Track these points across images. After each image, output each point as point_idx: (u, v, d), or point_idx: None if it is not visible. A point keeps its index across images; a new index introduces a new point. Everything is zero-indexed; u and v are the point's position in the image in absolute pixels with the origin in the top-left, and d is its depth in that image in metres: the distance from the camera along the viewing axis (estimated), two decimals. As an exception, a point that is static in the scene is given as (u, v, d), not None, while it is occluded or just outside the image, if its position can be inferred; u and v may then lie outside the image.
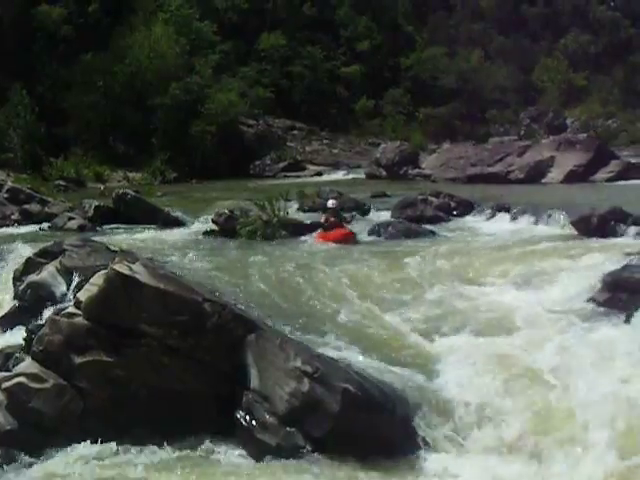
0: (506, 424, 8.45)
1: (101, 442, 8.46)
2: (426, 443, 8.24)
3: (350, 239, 17.99)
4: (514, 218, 21.43)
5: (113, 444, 8.47)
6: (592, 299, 11.81)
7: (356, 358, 9.49)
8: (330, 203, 19.77)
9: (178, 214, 24.20)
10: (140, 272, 9.03)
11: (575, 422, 8.31)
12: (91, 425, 8.68)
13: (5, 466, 8.37)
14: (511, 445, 8.24)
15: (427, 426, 8.39)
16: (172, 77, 50.23)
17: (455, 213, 23.17)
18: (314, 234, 18.87)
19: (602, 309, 11.38)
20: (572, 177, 35.44)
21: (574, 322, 10.85)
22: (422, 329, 10.99)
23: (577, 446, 7.97)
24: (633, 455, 7.68)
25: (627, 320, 10.42)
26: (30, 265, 12.82)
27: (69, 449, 8.42)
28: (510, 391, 8.91)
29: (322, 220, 19.09)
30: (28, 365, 9.13)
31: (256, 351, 8.78)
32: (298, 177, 48.18)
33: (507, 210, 22.13)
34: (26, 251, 14.43)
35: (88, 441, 8.49)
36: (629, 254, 13.01)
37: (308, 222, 20.46)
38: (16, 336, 10.91)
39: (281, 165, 53.13)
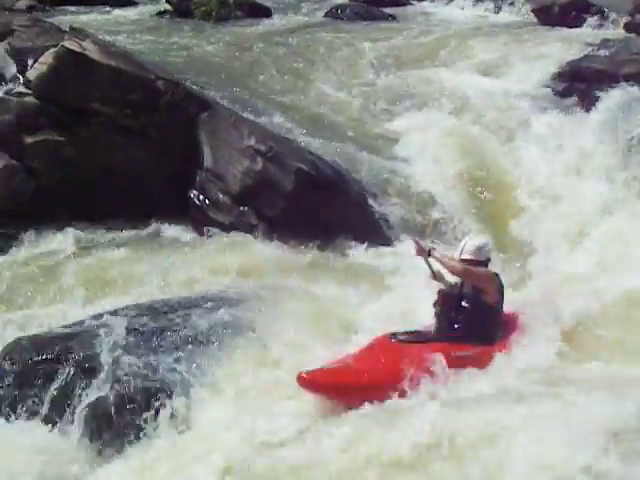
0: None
1: (52, 222, 8.41)
2: (384, 223, 8.36)
3: None
4: (474, 4, 21.01)
5: (66, 226, 8.41)
6: (550, 87, 11.81)
7: (312, 139, 9.47)
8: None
9: (131, -8, 23.43)
10: (91, 49, 8.75)
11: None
12: (43, 206, 8.55)
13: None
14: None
15: (382, 205, 8.47)
16: None
17: (415, -4, 22.61)
18: None
19: (559, 97, 11.41)
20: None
21: (531, 107, 10.93)
22: (380, 110, 10.97)
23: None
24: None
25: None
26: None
27: (20, 231, 8.34)
28: (464, 175, 9.00)
29: None
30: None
31: (209, 129, 8.68)
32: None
33: (467, -5, 21.66)
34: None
35: (39, 222, 8.42)
36: (589, 44, 12.94)
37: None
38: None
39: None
